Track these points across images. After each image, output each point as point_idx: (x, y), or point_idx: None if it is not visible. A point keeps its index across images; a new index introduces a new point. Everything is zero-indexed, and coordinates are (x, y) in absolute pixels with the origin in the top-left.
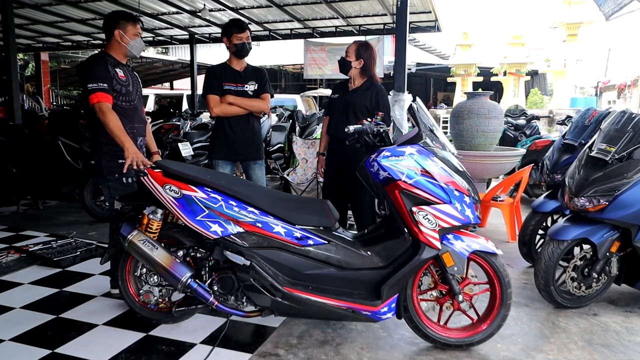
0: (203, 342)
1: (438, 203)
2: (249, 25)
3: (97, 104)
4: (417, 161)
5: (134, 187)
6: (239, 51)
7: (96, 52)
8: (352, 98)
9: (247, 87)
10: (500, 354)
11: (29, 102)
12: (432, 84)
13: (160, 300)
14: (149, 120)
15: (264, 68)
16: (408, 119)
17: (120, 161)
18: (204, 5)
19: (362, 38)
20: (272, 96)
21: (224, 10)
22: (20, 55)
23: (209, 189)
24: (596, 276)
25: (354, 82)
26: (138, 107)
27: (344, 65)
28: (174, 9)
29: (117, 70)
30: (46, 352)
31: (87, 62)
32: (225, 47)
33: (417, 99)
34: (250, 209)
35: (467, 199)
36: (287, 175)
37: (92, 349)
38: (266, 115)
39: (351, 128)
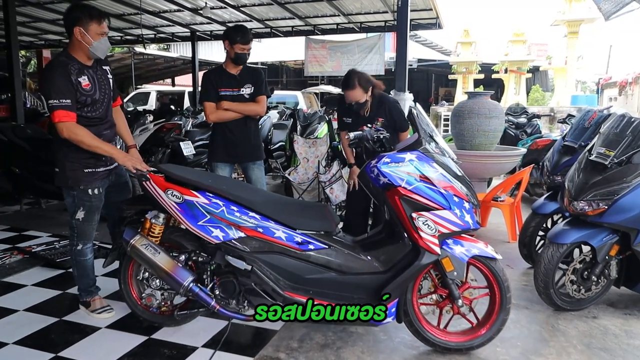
0: (205, 346)
1: (437, 209)
2: (249, 23)
3: (59, 124)
4: (416, 167)
5: (100, 198)
6: (239, 59)
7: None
8: (369, 121)
9: (243, 91)
10: (500, 358)
11: (31, 100)
12: (434, 80)
13: (163, 303)
14: (151, 118)
15: (266, 63)
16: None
17: (87, 170)
18: (205, 3)
19: (363, 35)
20: (268, 96)
21: (225, 7)
22: (23, 53)
23: (211, 194)
24: (595, 279)
25: (366, 108)
26: (106, 114)
27: (361, 107)
28: (175, 7)
29: (81, 79)
30: (50, 355)
31: (48, 70)
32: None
33: (417, 104)
34: (251, 214)
35: (466, 204)
36: (289, 174)
37: (95, 353)
38: (268, 115)
39: (351, 135)
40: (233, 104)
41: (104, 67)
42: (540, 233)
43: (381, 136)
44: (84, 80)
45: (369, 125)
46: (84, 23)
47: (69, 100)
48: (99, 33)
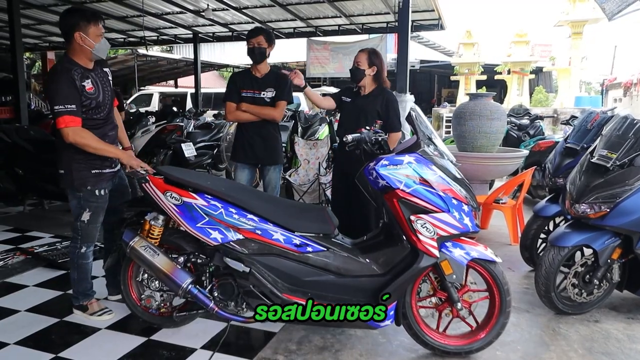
0: (203, 347)
1: (436, 211)
2: (251, 25)
3: (64, 130)
4: (415, 170)
5: (106, 199)
6: (250, 54)
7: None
8: (364, 104)
9: (264, 94)
10: None
11: (36, 101)
12: (437, 81)
13: (162, 305)
14: (153, 119)
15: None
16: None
17: (94, 171)
18: (207, 5)
19: (365, 37)
20: (290, 102)
21: (227, 9)
22: (27, 55)
23: (209, 196)
24: (597, 283)
25: (365, 89)
26: (109, 115)
27: (356, 74)
28: (177, 9)
29: (85, 83)
30: (50, 356)
31: (52, 76)
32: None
33: (416, 106)
34: (249, 216)
35: (465, 207)
36: (289, 176)
37: (95, 353)
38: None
39: (349, 137)
40: (250, 106)
41: (104, 70)
42: (542, 236)
43: (379, 138)
44: (88, 84)
45: (367, 127)
46: (83, 27)
47: (73, 106)
48: (99, 35)
